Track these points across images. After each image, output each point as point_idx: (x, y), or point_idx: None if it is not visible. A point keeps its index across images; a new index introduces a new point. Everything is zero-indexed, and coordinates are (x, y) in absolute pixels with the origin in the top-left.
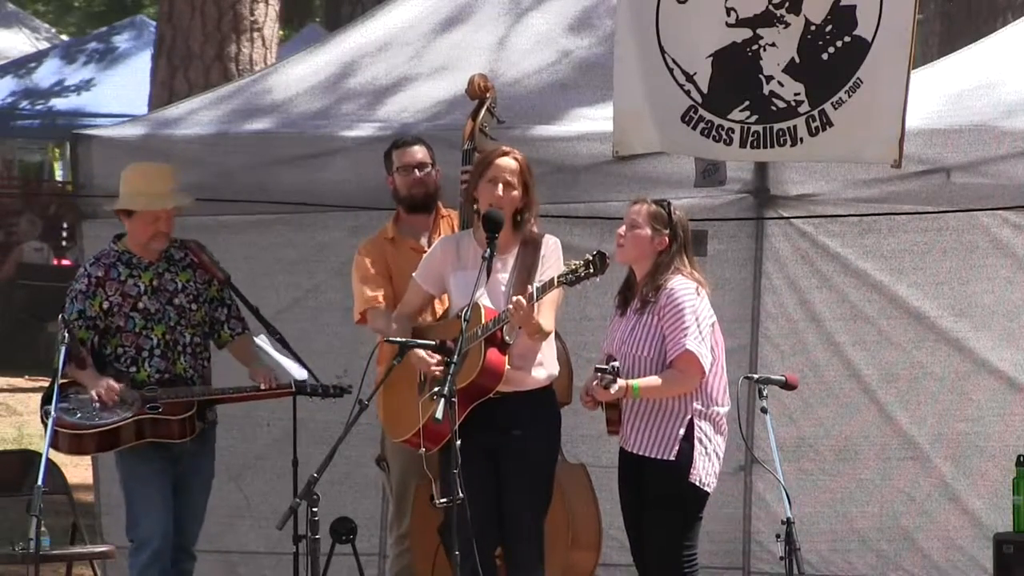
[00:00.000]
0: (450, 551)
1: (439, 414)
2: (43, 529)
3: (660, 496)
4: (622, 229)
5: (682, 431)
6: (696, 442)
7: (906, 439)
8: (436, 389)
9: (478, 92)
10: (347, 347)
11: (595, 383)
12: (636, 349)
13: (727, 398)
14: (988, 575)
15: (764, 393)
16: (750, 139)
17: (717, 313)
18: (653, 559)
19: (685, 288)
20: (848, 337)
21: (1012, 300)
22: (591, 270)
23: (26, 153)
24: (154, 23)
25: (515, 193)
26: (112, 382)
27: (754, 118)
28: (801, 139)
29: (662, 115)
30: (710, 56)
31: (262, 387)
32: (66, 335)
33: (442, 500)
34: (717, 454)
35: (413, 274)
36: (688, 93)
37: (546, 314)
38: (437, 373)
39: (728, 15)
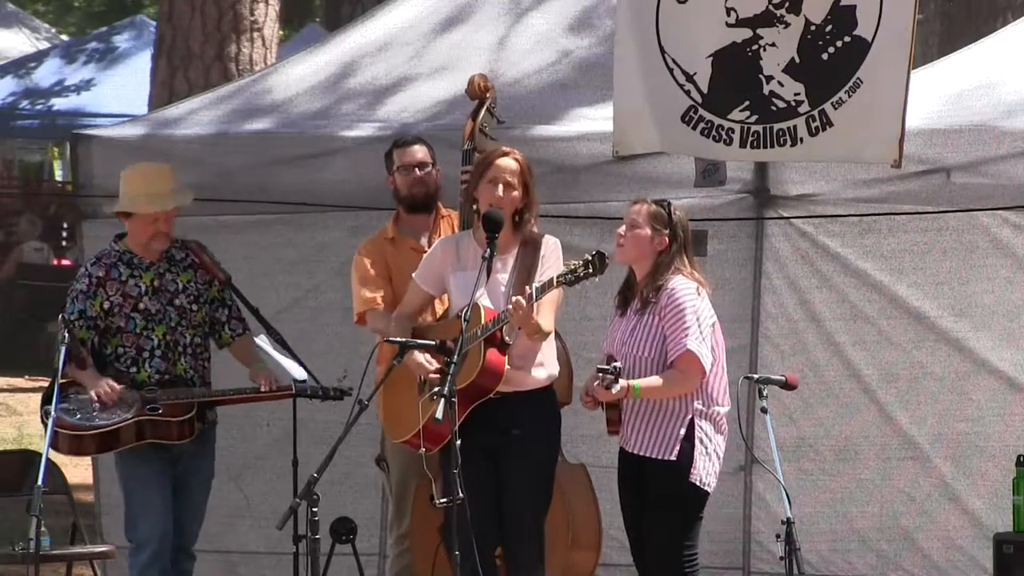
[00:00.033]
0: (450, 551)
1: (439, 414)
2: (43, 529)
3: (661, 496)
4: (622, 229)
5: (683, 431)
6: (697, 442)
7: (906, 439)
8: (436, 389)
9: (478, 92)
10: (347, 347)
11: (596, 383)
12: (636, 349)
13: (727, 398)
14: (988, 575)
15: (764, 393)
16: (750, 139)
17: (717, 313)
18: (653, 559)
19: (686, 288)
20: (848, 337)
21: (1012, 300)
22: (590, 270)
23: (26, 153)
24: (154, 23)
25: (515, 193)
26: (112, 382)
27: (754, 118)
28: (801, 139)
29: (662, 115)
30: (710, 56)
31: (262, 389)
32: (66, 335)
33: (442, 500)
34: (717, 454)
35: (413, 275)
36: (688, 93)
37: (545, 314)
38: (436, 378)
39: (728, 15)
